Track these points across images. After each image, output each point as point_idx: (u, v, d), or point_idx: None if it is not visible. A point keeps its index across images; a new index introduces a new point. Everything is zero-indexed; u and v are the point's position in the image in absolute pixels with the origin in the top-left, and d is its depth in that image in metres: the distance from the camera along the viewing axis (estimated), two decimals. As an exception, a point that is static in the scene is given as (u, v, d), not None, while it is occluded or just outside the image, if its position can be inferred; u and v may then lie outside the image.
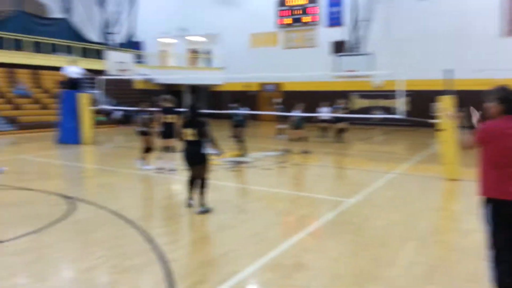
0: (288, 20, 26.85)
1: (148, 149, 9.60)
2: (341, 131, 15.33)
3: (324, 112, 16.61)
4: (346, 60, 23.18)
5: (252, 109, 20.67)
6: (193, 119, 6.20)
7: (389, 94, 22.73)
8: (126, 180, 8.82)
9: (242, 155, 11.64)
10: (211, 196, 6.57)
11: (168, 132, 8.88)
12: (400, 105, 11.43)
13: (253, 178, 9.29)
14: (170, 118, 9.05)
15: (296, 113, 12.69)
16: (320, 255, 4.56)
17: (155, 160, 9.57)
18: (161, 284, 3.81)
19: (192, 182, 6.25)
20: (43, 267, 4.20)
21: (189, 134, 6.11)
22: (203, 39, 31.76)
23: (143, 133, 9.54)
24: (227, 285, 3.81)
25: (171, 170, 9.16)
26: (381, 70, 20.94)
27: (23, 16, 24.14)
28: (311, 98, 14.70)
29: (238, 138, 11.98)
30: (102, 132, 18.72)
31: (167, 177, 8.91)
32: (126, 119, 23.59)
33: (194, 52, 31.92)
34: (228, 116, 17.23)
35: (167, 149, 9.41)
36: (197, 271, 4.12)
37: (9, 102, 20.08)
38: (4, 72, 21.55)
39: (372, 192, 7.63)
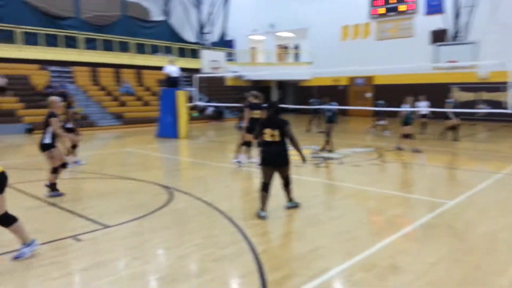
0: (382, 10, 25.66)
1: (243, 144, 9.86)
2: (453, 128, 14.24)
3: (422, 107, 15.59)
4: (446, 50, 21.53)
5: (341, 104, 20.15)
6: (273, 118, 5.74)
7: (495, 87, 20.60)
8: (218, 173, 9.18)
9: (329, 151, 11.44)
10: (299, 191, 6.56)
11: (254, 127, 9.02)
12: (510, 98, 10.27)
13: (341, 175, 9.06)
14: (256, 114, 9.21)
15: (405, 108, 11.91)
16: (416, 258, 4.28)
17: (245, 155, 9.81)
18: (252, 275, 3.90)
19: (266, 189, 5.69)
20: (146, 251, 4.56)
21: (269, 134, 5.68)
22: (292, 34, 31.77)
23: (241, 128, 9.85)
24: (318, 281, 3.77)
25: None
26: (486, 59, 19.01)
27: (128, 20, 26.38)
28: (406, 92, 13.86)
29: (327, 134, 11.80)
30: (196, 127, 19.75)
31: (256, 171, 9.10)
32: (218, 115, 24.67)
33: (283, 47, 32.09)
34: (315, 111, 17.15)
35: (252, 144, 9.58)
36: (287, 265, 4.14)
37: (115, 99, 22.13)
38: (111, 72, 23.83)
39: (476, 193, 6.97)
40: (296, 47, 30.94)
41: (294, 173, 6.24)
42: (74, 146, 9.97)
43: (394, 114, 13.07)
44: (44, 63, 21.06)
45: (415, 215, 5.91)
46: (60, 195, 6.84)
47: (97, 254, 4.47)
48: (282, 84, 33.40)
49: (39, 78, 20.43)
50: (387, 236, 4.91)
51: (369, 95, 26.19)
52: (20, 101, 18.62)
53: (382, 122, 16.68)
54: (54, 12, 23.93)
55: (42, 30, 21.46)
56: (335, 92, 25.92)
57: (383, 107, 15.80)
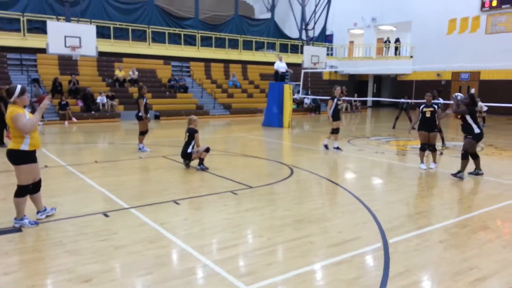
0: (494, 2, 24.57)
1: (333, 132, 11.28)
2: None
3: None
4: None
5: (445, 99, 20.13)
6: None
7: None
8: (324, 156, 10.53)
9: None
10: (404, 174, 7.61)
11: (337, 116, 10.91)
12: None
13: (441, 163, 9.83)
14: (340, 104, 11.16)
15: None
16: (505, 223, 5.24)
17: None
18: (371, 223, 5.23)
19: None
20: (284, 204, 6.11)
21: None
22: (393, 28, 31.65)
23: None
24: (423, 231, 4.97)
25: (338, 148, 11.05)
26: None
27: (238, 19, 28.78)
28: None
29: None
30: (295, 118, 21.26)
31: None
32: (315, 108, 25.92)
33: (384, 41, 32.11)
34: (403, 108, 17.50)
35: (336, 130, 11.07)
36: (396, 220, 5.39)
37: (224, 91, 24.55)
38: (221, 67, 26.38)
39: None
40: (397, 41, 30.79)
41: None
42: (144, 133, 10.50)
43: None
44: (167, 59, 24.22)
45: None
46: (206, 168, 8.42)
47: (250, 202, 6.15)
48: (379, 78, 33.43)
49: (163, 72, 23.61)
50: (484, 207, 5.88)
51: (473, 90, 25.34)
52: (148, 91, 21.77)
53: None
54: (178, 13, 27.15)
55: (167, 30, 24.65)
56: (438, 87, 25.54)
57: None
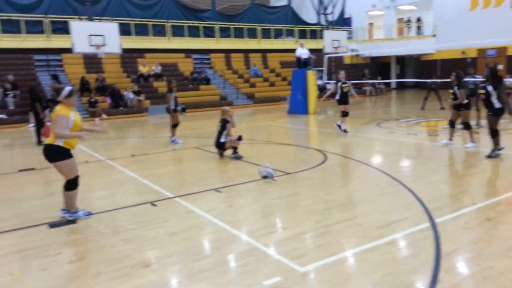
0: (519, -26, 23.69)
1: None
2: None
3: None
4: None
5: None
6: None
7: None
8: (354, 140, 10.50)
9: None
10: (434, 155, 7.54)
11: (344, 99, 11.16)
12: None
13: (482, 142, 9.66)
14: (345, 88, 11.10)
15: None
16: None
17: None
18: (416, 203, 5.23)
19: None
20: (324, 188, 6.16)
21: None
22: (414, 7, 30.89)
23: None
24: (468, 210, 4.95)
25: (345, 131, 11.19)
26: None
27: (255, 7, 28.64)
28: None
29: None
30: (319, 104, 21.12)
31: (390, 139, 10.24)
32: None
33: (404, 21, 31.42)
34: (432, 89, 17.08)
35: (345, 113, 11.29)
36: (440, 199, 5.36)
37: (246, 81, 24.57)
38: (242, 56, 26.36)
39: None
40: (419, 20, 30.05)
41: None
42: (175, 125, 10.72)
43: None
44: (188, 52, 24.37)
45: (555, 172, 6.55)
46: (241, 157, 8.61)
47: (291, 188, 6.23)
48: (402, 59, 32.78)
49: (185, 66, 23.79)
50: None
51: (501, 66, 24.61)
52: (172, 85, 22.03)
53: None
54: (195, 6, 27.21)
55: (186, 23, 24.77)
56: (463, 65, 24.88)
57: None
